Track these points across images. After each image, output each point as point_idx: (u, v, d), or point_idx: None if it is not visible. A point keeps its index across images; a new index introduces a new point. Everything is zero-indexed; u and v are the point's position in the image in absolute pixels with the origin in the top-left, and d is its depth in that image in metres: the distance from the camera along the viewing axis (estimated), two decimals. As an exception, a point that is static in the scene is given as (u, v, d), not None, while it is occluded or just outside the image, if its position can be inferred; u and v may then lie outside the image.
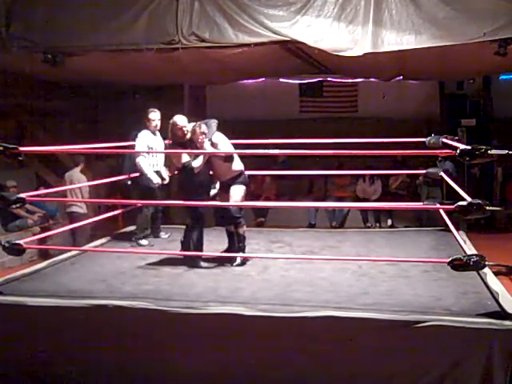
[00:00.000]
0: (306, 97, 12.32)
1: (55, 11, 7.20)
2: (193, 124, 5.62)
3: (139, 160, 6.46)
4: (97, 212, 8.70)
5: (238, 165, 5.66)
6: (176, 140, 5.64)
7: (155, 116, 6.51)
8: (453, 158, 5.08)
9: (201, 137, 5.46)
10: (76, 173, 8.84)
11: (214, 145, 5.55)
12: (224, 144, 5.61)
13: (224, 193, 5.70)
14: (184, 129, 5.58)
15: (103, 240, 6.82)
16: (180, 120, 5.62)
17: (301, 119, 12.00)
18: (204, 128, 5.49)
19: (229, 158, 5.56)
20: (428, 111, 11.70)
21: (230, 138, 5.98)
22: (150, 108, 6.76)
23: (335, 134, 6.22)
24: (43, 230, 8.62)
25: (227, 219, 5.71)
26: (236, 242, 5.70)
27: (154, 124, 6.57)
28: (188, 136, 5.57)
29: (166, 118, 11.60)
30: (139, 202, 7.10)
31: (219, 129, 5.76)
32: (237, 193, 5.59)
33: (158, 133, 6.69)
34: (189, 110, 12.41)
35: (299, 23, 6.60)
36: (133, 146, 6.71)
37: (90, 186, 8.67)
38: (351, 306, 4.21)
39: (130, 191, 7.09)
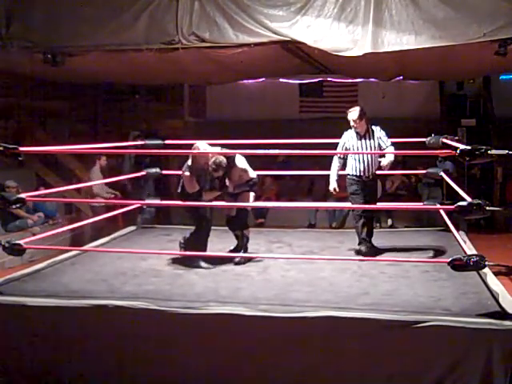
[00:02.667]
0: (306, 97, 12.31)
1: (55, 11, 7.19)
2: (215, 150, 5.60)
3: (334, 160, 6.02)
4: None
5: (253, 173, 5.82)
6: (197, 167, 5.49)
7: (350, 116, 5.94)
8: (453, 158, 5.08)
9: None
10: (96, 171, 9.20)
11: (242, 170, 5.69)
12: (247, 166, 5.76)
13: (230, 198, 5.73)
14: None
15: (106, 239, 6.84)
16: (201, 145, 5.58)
17: (301, 119, 12.00)
18: (224, 162, 5.44)
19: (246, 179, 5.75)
20: (428, 111, 11.69)
21: (229, 138, 5.99)
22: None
23: (335, 134, 6.22)
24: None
25: (238, 224, 5.81)
26: (242, 243, 5.83)
27: (351, 124, 5.99)
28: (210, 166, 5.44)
29: (166, 117, 11.71)
30: (139, 203, 7.10)
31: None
32: (250, 199, 5.77)
33: (369, 133, 5.96)
34: (189, 110, 12.45)
35: (299, 23, 6.60)
36: (132, 147, 6.72)
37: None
38: (351, 306, 4.21)
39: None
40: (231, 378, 4.12)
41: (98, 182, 8.61)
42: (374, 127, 5.95)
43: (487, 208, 4.16)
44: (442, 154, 5.30)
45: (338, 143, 6.02)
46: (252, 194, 5.83)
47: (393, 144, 5.92)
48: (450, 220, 5.83)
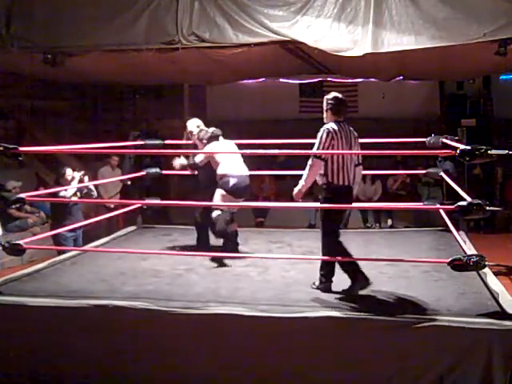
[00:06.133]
0: (306, 97, 12.32)
1: (55, 11, 7.19)
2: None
3: None
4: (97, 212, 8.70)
5: (223, 169, 5.73)
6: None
7: None
8: (453, 158, 5.07)
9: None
10: (108, 169, 9.32)
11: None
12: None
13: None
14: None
15: (106, 239, 6.84)
16: (192, 122, 6.08)
17: (301, 119, 12.01)
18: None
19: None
20: (428, 111, 11.71)
21: (229, 138, 5.98)
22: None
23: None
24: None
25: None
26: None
27: None
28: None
29: (166, 117, 11.71)
30: (139, 202, 7.10)
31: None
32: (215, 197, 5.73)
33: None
34: (189, 110, 12.45)
35: (299, 23, 6.60)
36: (132, 147, 6.72)
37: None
38: (351, 306, 4.21)
39: None
40: (231, 377, 4.12)
41: (98, 181, 8.61)
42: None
43: (487, 208, 4.16)
44: (442, 153, 5.30)
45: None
46: (218, 192, 5.73)
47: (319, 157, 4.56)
48: (450, 220, 5.83)
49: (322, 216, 4.81)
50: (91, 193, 7.25)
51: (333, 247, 4.68)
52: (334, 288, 4.70)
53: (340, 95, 4.82)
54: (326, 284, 4.67)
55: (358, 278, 4.58)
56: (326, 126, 4.66)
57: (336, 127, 4.64)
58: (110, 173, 9.26)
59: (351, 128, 4.79)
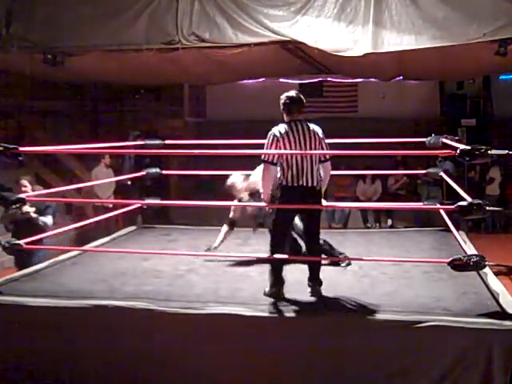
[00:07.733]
0: (306, 97, 12.32)
1: (55, 11, 7.20)
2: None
3: None
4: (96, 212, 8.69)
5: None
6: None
7: None
8: (453, 158, 5.08)
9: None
10: (102, 168, 9.27)
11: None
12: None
13: None
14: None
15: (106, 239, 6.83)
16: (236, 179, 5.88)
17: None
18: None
19: None
20: (428, 111, 11.72)
21: (229, 138, 5.98)
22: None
23: (335, 134, 6.21)
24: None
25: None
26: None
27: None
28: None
29: (166, 117, 11.71)
30: (139, 202, 7.09)
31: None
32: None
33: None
34: (189, 110, 12.47)
35: (299, 23, 6.61)
36: (132, 147, 6.72)
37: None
38: (351, 306, 4.21)
39: None
40: (231, 378, 4.12)
41: (98, 182, 8.62)
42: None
43: (487, 208, 4.16)
44: (442, 153, 5.29)
45: (337, 143, 6.00)
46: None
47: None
48: (450, 220, 5.83)
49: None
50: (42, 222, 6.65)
51: (275, 249, 4.58)
52: (332, 288, 4.70)
53: (292, 93, 4.58)
54: (273, 290, 4.43)
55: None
56: (271, 130, 4.48)
57: (283, 129, 4.43)
58: (104, 172, 9.25)
59: (311, 125, 4.57)
